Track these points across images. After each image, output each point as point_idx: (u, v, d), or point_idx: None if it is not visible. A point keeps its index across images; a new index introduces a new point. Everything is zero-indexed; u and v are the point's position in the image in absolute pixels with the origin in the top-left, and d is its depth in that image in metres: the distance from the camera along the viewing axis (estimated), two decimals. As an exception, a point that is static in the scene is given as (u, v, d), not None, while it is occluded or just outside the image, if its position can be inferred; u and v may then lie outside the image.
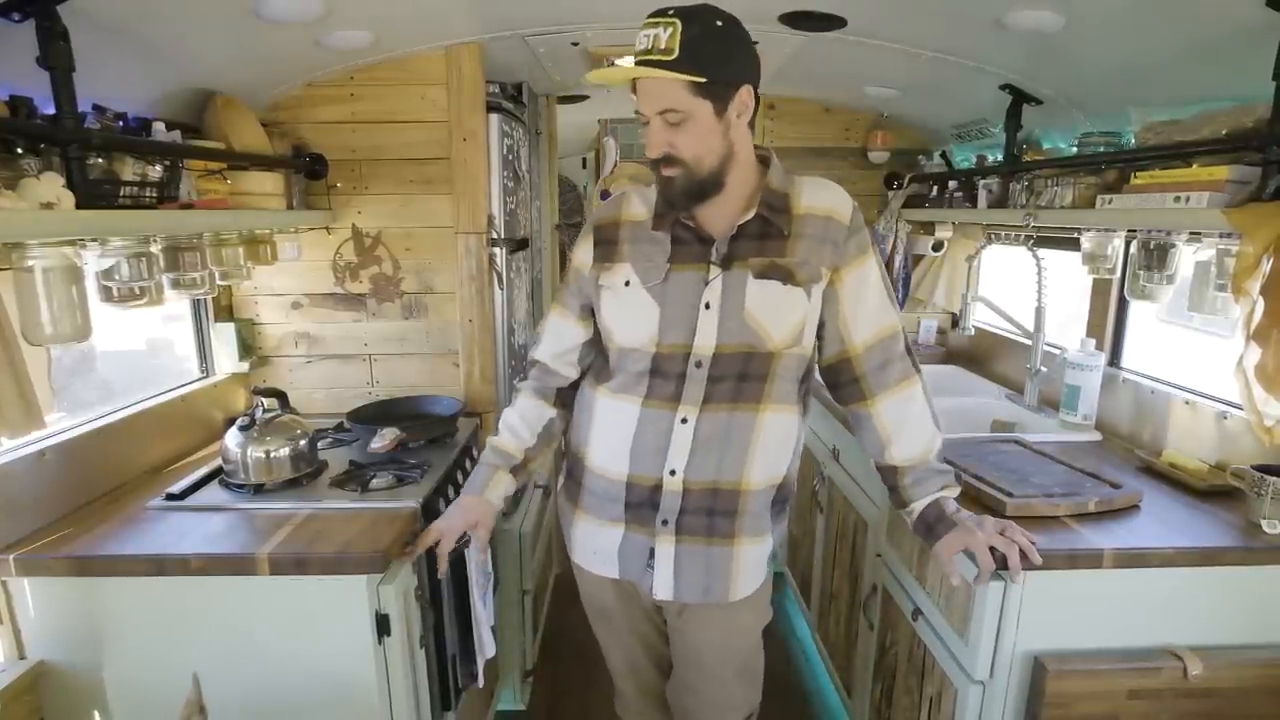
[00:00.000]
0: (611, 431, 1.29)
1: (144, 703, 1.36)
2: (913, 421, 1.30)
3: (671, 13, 1.11)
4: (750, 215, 1.22)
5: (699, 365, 1.22)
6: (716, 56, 1.11)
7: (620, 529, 1.30)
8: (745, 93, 1.16)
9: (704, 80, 1.10)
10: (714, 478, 1.24)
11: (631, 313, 1.26)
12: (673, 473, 1.24)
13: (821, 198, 1.25)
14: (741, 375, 1.23)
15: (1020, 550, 1.23)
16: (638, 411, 1.26)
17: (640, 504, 1.27)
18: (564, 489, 1.41)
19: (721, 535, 1.27)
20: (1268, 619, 1.34)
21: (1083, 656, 1.30)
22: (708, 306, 1.22)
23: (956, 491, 1.32)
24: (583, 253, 1.35)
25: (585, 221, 1.50)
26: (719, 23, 1.12)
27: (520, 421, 1.41)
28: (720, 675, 1.38)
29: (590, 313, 1.37)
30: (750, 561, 1.29)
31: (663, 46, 1.09)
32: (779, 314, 1.21)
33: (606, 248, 1.31)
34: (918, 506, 1.31)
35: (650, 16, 1.13)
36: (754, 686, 1.44)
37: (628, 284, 1.26)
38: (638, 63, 1.13)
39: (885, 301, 1.29)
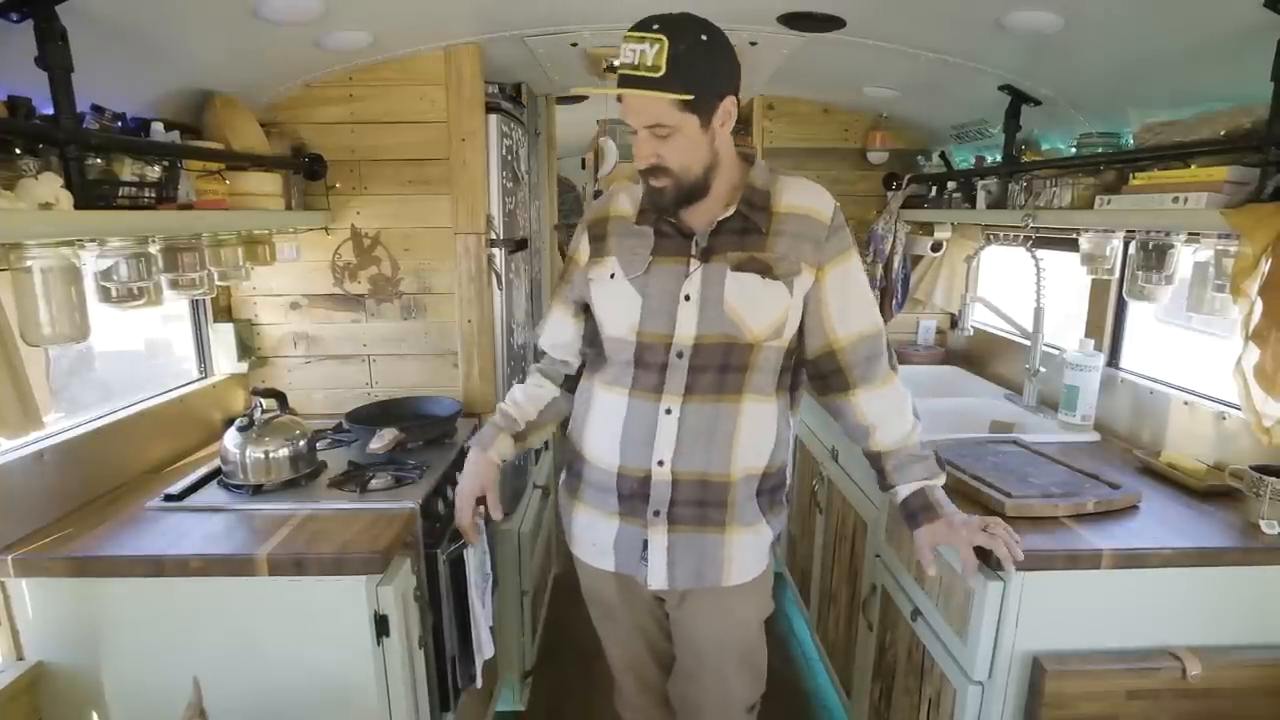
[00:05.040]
0: (604, 423, 1.32)
1: (142, 703, 1.36)
2: (894, 410, 1.33)
3: (656, 27, 1.11)
4: (730, 212, 1.25)
5: (680, 355, 1.25)
6: (703, 73, 1.13)
7: (616, 521, 1.32)
8: (729, 103, 1.19)
9: (692, 98, 1.12)
10: (702, 469, 1.26)
11: (616, 303, 1.30)
12: (660, 463, 1.26)
13: (802, 197, 1.28)
14: (723, 366, 1.25)
15: (1005, 545, 1.24)
16: (626, 402, 1.29)
17: (632, 495, 1.30)
18: (565, 483, 1.44)
19: (714, 524, 1.29)
20: (1266, 619, 1.34)
21: (1081, 657, 1.30)
22: (688, 298, 1.25)
23: (942, 480, 1.33)
24: (578, 249, 1.41)
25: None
26: (704, 36, 1.13)
27: (524, 396, 1.48)
28: (720, 665, 1.39)
29: (584, 309, 1.41)
30: (744, 547, 1.31)
31: (649, 63, 1.10)
32: (758, 306, 1.24)
33: (597, 243, 1.36)
34: (902, 491, 1.33)
35: (634, 30, 1.13)
36: (755, 678, 1.44)
37: (613, 276, 1.31)
38: (624, 77, 1.14)
39: (870, 299, 1.33)
